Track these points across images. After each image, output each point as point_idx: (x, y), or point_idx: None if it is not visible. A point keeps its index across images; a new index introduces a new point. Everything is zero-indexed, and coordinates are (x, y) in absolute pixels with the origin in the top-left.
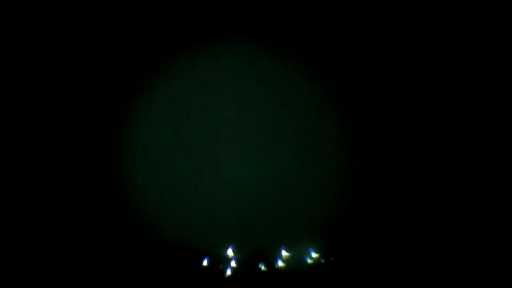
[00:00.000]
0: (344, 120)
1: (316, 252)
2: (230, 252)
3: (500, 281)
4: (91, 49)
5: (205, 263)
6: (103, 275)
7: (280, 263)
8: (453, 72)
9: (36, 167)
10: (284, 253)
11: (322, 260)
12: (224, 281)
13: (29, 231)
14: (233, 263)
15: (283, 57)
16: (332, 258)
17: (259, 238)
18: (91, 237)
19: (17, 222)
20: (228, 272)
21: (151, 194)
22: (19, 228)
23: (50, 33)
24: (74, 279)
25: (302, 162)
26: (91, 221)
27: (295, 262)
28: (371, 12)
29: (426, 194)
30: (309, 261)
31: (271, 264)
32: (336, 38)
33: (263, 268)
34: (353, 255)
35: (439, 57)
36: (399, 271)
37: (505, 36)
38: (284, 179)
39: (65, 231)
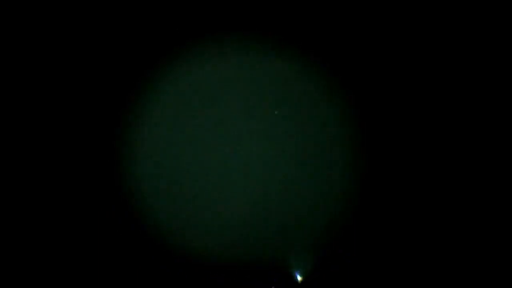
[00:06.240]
0: (353, 122)
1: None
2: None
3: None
4: (97, 47)
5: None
6: (105, 279)
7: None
8: (459, 73)
9: (40, 168)
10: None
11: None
12: None
13: (29, 232)
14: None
15: (290, 57)
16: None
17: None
18: (92, 239)
19: (18, 223)
20: None
21: (154, 196)
22: (19, 228)
23: (59, 35)
24: (74, 281)
25: (310, 164)
26: (93, 222)
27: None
28: (380, 13)
29: (436, 198)
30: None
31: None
32: (343, 38)
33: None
34: (361, 262)
35: (445, 59)
36: (406, 276)
37: (506, 36)
38: (290, 182)
39: (67, 232)
